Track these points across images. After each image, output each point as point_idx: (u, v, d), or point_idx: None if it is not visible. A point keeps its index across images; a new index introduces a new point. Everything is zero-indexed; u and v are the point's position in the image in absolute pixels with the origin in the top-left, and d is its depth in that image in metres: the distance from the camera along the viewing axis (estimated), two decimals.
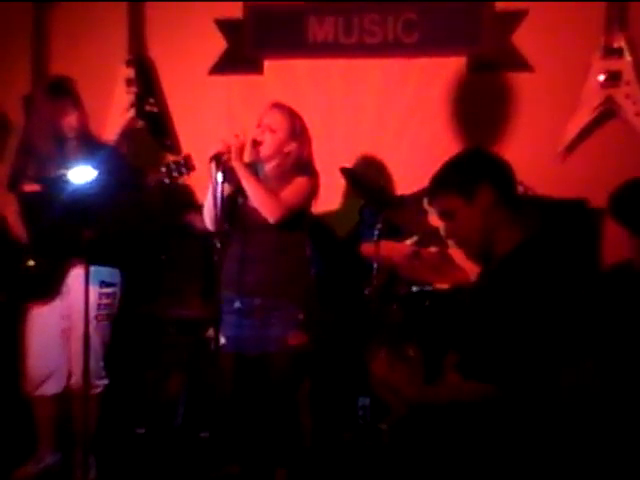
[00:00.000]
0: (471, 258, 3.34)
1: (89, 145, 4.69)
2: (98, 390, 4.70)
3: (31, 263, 4.69)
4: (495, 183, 3.13)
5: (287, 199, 4.32)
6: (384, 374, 3.30)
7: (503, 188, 3.15)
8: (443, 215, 3.22)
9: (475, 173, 3.15)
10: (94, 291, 4.50)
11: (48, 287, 4.72)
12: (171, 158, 4.41)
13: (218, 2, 5.87)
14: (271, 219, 4.29)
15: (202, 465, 4.66)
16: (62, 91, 4.70)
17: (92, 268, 4.31)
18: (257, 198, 4.28)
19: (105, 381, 4.77)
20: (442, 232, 3.26)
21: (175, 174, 4.31)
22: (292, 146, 4.41)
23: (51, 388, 4.81)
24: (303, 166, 4.43)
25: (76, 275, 4.68)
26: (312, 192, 4.44)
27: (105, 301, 4.64)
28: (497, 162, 3.22)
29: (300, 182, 4.38)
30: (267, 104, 4.50)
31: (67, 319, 4.71)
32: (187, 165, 4.31)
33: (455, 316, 4.47)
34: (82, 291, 4.57)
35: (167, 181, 4.32)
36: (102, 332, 4.64)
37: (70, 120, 4.66)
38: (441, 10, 5.54)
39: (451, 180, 3.18)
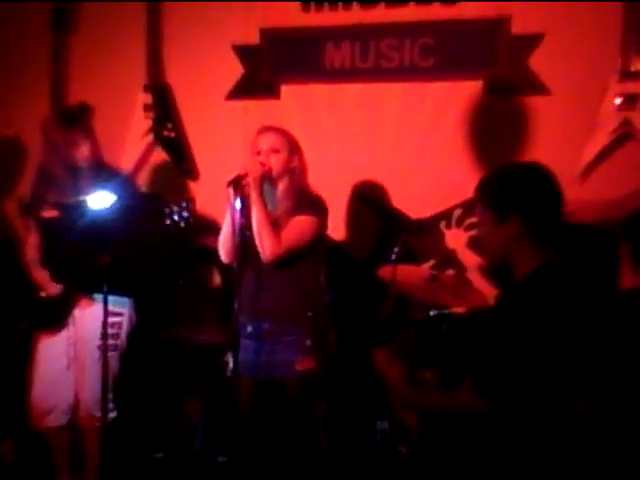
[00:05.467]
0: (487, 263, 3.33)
1: (102, 174, 4.74)
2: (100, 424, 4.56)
3: (44, 294, 4.73)
4: (527, 219, 3.08)
5: (287, 240, 4.32)
6: (382, 371, 3.33)
7: (534, 224, 3.09)
8: (479, 221, 3.23)
9: (513, 203, 3.09)
10: (98, 320, 4.43)
11: (56, 317, 4.74)
12: (173, 203, 4.36)
13: (235, 28, 5.90)
14: (265, 258, 4.30)
15: None
16: (73, 121, 4.75)
17: (99, 297, 4.32)
18: (260, 232, 4.28)
19: (113, 414, 4.74)
20: (471, 241, 3.26)
21: (180, 222, 4.30)
22: (296, 161, 4.43)
23: (56, 420, 4.83)
24: (313, 201, 4.44)
25: (83, 305, 4.72)
26: (317, 232, 4.41)
27: (109, 331, 4.48)
28: (544, 193, 3.14)
29: (304, 221, 4.37)
30: (255, 132, 4.49)
31: (73, 349, 4.74)
32: (189, 209, 4.31)
33: (472, 340, 4.47)
34: (88, 321, 4.63)
35: (173, 228, 4.31)
36: (107, 362, 4.47)
37: (82, 150, 4.71)
38: (457, 34, 5.55)
39: (489, 195, 3.15)
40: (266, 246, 4.28)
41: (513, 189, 3.13)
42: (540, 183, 3.15)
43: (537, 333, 2.94)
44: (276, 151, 4.38)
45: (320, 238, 4.47)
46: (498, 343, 3.00)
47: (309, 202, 4.41)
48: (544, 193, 3.15)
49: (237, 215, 4.20)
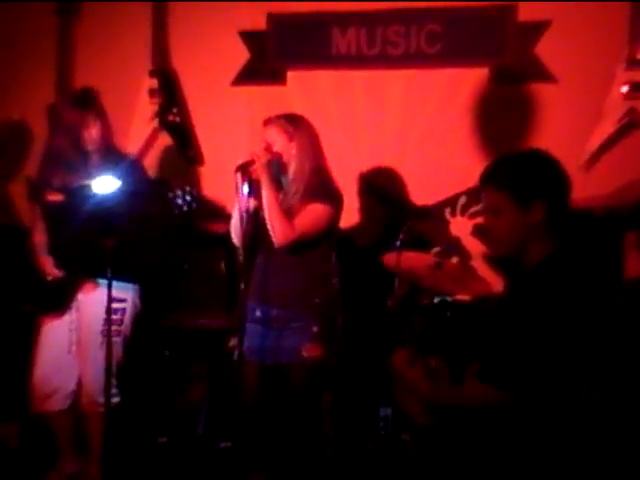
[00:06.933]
0: (495, 254, 3.30)
1: (111, 157, 4.72)
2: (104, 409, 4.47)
3: (50, 278, 4.73)
4: (550, 203, 3.11)
5: (300, 226, 4.32)
6: (402, 370, 3.32)
7: (556, 209, 3.13)
8: (489, 209, 3.21)
9: (537, 187, 3.12)
10: (101, 306, 4.40)
11: (60, 301, 4.74)
12: (177, 188, 4.38)
13: (242, 13, 5.89)
14: (277, 243, 4.30)
15: (223, 475, 4.67)
16: (86, 103, 4.74)
17: (103, 282, 4.32)
18: (271, 217, 4.28)
19: (116, 399, 4.75)
20: (475, 229, 3.24)
21: (183, 206, 4.30)
22: (294, 145, 4.42)
23: (56, 404, 4.82)
24: (326, 189, 4.43)
25: (87, 290, 4.71)
26: (330, 221, 4.42)
27: (113, 317, 4.42)
28: (559, 178, 3.17)
29: (317, 209, 4.36)
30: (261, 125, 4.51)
31: (76, 334, 4.74)
32: (192, 194, 4.31)
33: (477, 327, 4.47)
34: (91, 306, 4.62)
35: (176, 212, 4.32)
36: (110, 348, 4.36)
37: (92, 132, 4.69)
38: (464, 21, 5.54)
39: (509, 181, 3.14)
40: (277, 230, 4.28)
41: (535, 174, 3.16)
42: (554, 167, 3.17)
43: (553, 319, 2.94)
44: (270, 146, 4.39)
45: (332, 227, 4.47)
46: (512, 330, 3.00)
47: (325, 190, 4.41)
48: (560, 177, 3.17)
49: (244, 200, 4.20)
